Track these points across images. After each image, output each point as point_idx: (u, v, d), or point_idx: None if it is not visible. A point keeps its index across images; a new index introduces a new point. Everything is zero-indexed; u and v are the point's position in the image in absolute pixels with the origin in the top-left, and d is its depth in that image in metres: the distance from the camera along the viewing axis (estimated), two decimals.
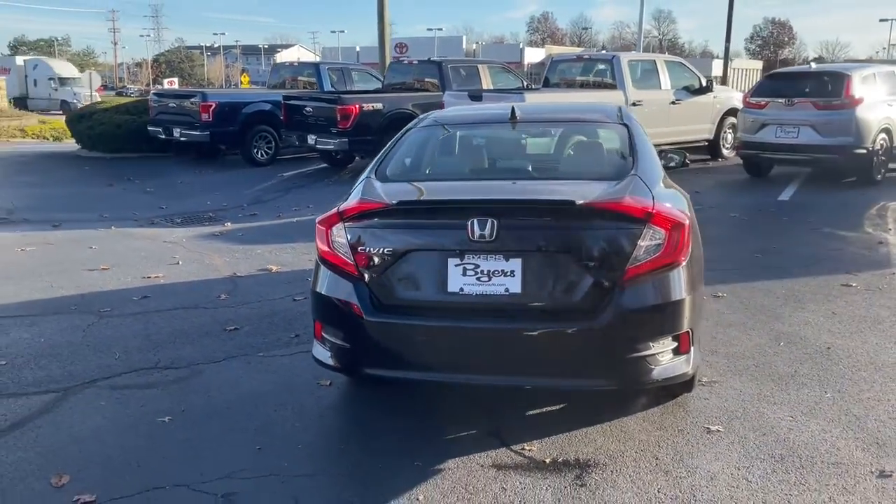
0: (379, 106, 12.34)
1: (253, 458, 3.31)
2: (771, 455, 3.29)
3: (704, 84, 13.02)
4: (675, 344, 3.26)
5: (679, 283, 3.21)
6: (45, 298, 5.82)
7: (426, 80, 13.65)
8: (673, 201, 3.43)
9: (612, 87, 12.34)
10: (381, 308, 3.25)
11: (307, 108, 12.25)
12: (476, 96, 11.45)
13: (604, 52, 23.37)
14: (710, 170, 12.78)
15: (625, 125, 4.06)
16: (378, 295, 3.26)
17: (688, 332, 3.27)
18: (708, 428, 3.55)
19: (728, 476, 3.13)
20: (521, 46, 63.66)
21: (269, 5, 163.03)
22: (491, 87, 13.92)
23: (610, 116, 4.19)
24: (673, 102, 12.72)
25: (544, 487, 3.06)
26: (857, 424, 3.57)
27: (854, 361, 4.34)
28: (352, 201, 3.39)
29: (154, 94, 15.53)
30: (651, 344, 3.15)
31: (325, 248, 3.39)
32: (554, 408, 3.76)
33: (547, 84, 13.59)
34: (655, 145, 4.11)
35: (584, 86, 12.95)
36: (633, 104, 12.13)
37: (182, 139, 13.25)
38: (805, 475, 3.13)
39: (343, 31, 78.18)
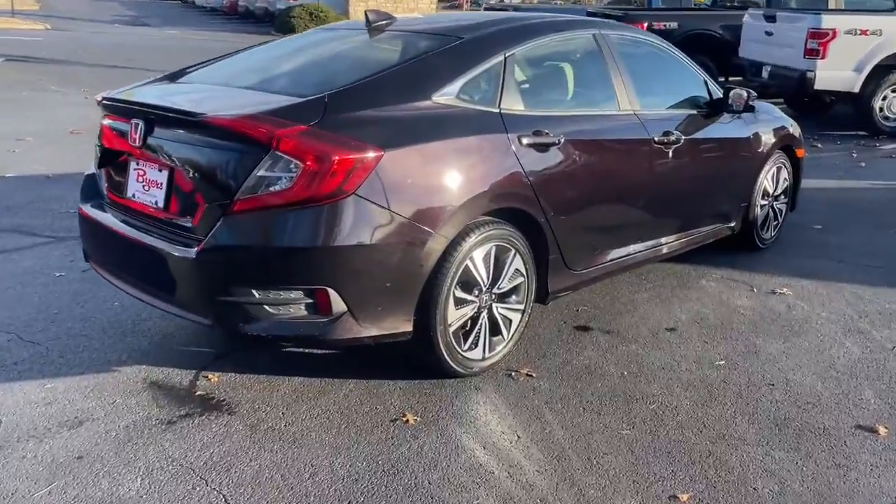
0: (673, 25, 11.15)
1: (40, 316, 3.71)
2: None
3: None
4: (310, 300, 2.72)
5: (315, 229, 2.64)
6: None
7: None
8: (386, 129, 2.78)
9: None
10: (97, 201, 3.32)
11: None
12: (770, 17, 9.71)
13: None
14: None
15: (458, 38, 3.27)
16: (102, 189, 3.32)
17: (326, 290, 2.69)
18: (394, 421, 2.91)
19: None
20: None
21: None
22: (841, 7, 11.39)
23: (469, 31, 3.37)
24: None
25: (145, 410, 2.92)
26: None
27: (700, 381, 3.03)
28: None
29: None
30: (255, 292, 2.69)
31: None
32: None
33: None
34: None
35: None
36: None
37: None
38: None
39: None
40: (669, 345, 3.59)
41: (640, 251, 3.92)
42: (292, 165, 2.62)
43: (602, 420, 2.92)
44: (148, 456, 2.63)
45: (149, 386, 3.11)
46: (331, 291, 2.69)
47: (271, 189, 2.64)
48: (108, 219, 3.17)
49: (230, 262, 2.70)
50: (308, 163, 2.61)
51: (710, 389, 3.18)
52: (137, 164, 3.05)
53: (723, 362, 3.42)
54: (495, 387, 3.15)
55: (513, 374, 3.26)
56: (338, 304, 2.72)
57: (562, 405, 3.02)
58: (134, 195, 3.07)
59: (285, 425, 2.84)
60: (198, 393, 3.06)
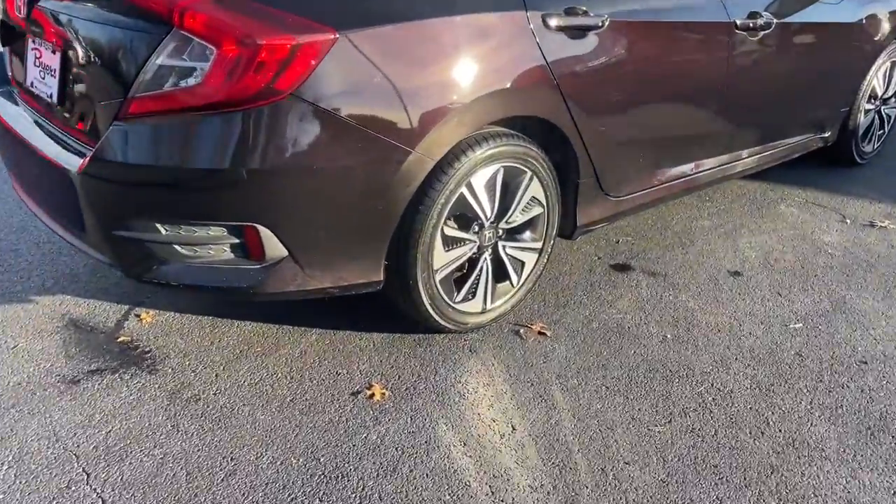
0: None
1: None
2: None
3: None
4: (237, 240, 2.01)
5: (234, 143, 1.89)
6: None
7: None
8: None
9: None
10: (6, 89, 2.63)
11: None
12: None
13: None
14: None
15: None
16: (7, 73, 2.63)
17: (256, 228, 1.97)
18: (355, 394, 2.24)
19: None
20: None
21: None
22: None
23: None
24: None
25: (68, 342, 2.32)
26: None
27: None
28: None
29: None
30: (161, 227, 1.99)
31: None
32: None
33: None
34: None
35: None
36: None
37: None
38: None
39: None
40: (731, 296, 2.79)
41: (704, 170, 3.06)
42: (207, 51, 1.84)
43: (628, 408, 2.20)
44: (28, 432, 2.03)
45: (65, 325, 2.50)
46: (261, 229, 1.98)
47: (177, 85, 1.88)
48: (11, 112, 2.47)
49: (124, 184, 1.98)
50: (224, 47, 1.83)
51: (779, 366, 2.41)
52: (35, 42, 2.32)
53: (799, 325, 2.62)
54: (496, 348, 2.44)
55: (521, 330, 2.54)
56: (273, 247, 2.00)
57: (578, 381, 2.30)
58: (32, 83, 2.36)
59: (214, 393, 2.20)
60: (120, 339, 2.44)
